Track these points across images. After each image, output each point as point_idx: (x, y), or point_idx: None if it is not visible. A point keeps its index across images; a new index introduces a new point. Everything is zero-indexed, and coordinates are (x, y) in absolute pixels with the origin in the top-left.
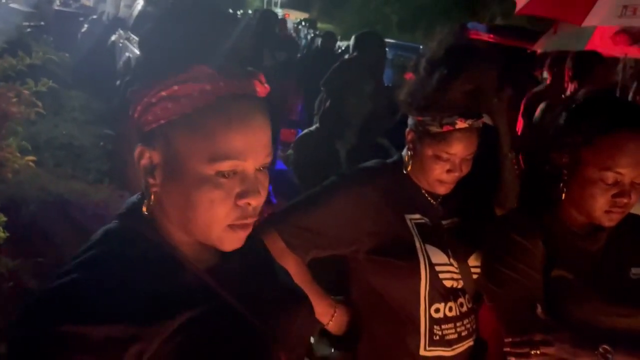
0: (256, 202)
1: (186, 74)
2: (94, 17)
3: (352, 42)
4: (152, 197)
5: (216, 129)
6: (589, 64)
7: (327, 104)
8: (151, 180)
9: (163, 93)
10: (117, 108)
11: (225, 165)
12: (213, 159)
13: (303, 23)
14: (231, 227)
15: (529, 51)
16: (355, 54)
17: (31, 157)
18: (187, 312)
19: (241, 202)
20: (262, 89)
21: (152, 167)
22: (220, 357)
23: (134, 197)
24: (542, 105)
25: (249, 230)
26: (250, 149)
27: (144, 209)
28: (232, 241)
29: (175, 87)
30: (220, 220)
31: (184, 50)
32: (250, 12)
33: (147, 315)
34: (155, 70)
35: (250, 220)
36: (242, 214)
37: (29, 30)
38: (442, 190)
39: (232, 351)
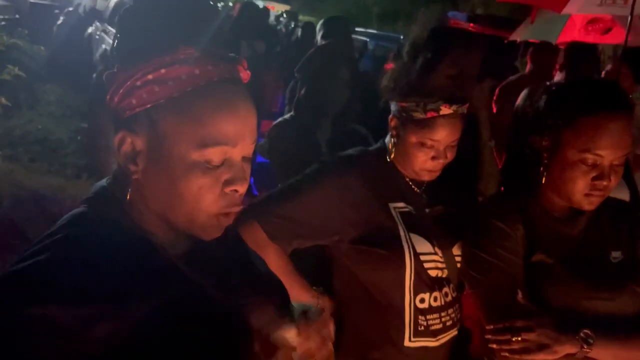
0: (243, 189)
1: (172, 56)
2: (70, 9)
3: (318, 28)
4: (130, 184)
5: (206, 114)
6: (584, 55)
7: (302, 91)
8: (133, 167)
9: (149, 76)
10: (93, 101)
11: (215, 152)
12: (203, 145)
13: (284, 15)
14: (216, 215)
15: (506, 41)
16: (323, 39)
17: None
18: (157, 297)
19: (228, 189)
20: (245, 74)
21: (134, 154)
22: (193, 344)
23: (103, 182)
24: (524, 92)
25: (232, 219)
26: (240, 134)
27: (127, 196)
28: (215, 230)
29: (163, 70)
30: (207, 208)
31: (167, 31)
32: (230, 4)
33: (116, 298)
34: (136, 51)
35: (236, 209)
36: (228, 202)
37: (3, 23)
38: (427, 177)
39: (205, 337)
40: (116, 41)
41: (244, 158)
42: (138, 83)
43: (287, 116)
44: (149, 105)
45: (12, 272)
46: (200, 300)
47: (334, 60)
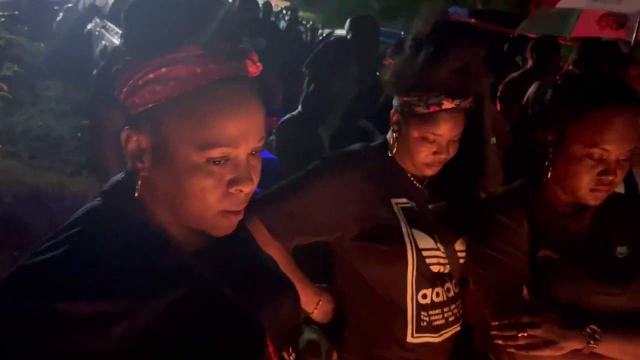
0: (248, 189)
1: (174, 55)
2: (70, 5)
3: (347, 26)
4: (140, 181)
5: (207, 115)
6: (600, 53)
7: (311, 87)
8: (140, 165)
9: (150, 75)
10: (94, 97)
11: (217, 153)
12: (204, 147)
13: (284, 11)
14: (223, 213)
15: (511, 35)
16: (349, 37)
17: None
18: (173, 293)
19: (233, 190)
20: (254, 68)
21: (140, 152)
22: (208, 340)
23: (118, 176)
24: (533, 86)
25: (240, 216)
26: (243, 135)
27: (136, 194)
28: (224, 227)
29: (163, 70)
30: (212, 208)
31: (170, 29)
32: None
33: (133, 293)
34: (140, 49)
35: (242, 207)
36: (234, 201)
37: (2, 20)
38: (428, 172)
39: (220, 334)
40: (123, 37)
41: (251, 155)
42: (140, 82)
43: (294, 112)
44: (150, 105)
45: (28, 266)
46: (213, 297)
47: (343, 56)
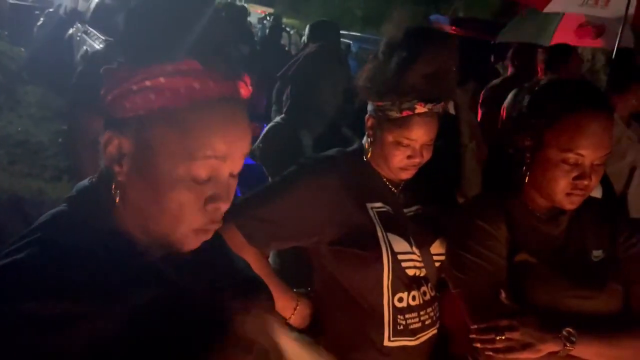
0: (225, 207)
1: (174, 66)
2: (51, 10)
3: (306, 32)
4: (115, 185)
5: (198, 129)
6: (563, 57)
7: (296, 94)
8: (117, 168)
9: (147, 82)
10: (73, 102)
11: (203, 165)
12: (190, 158)
13: (268, 18)
14: (195, 231)
15: (492, 43)
16: (312, 42)
17: None
18: (137, 297)
19: (210, 207)
20: (245, 91)
21: (120, 156)
22: (178, 343)
23: (85, 182)
24: (512, 92)
25: (210, 235)
26: (230, 154)
27: (117, 200)
28: (192, 244)
29: (162, 79)
30: (186, 224)
31: (172, 39)
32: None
33: (97, 295)
34: (139, 53)
35: (215, 226)
36: (208, 219)
37: None
38: (403, 176)
39: (191, 336)
40: (121, 36)
41: (231, 175)
42: (134, 87)
43: (279, 119)
44: (142, 112)
45: None
46: (182, 301)
47: (329, 63)
